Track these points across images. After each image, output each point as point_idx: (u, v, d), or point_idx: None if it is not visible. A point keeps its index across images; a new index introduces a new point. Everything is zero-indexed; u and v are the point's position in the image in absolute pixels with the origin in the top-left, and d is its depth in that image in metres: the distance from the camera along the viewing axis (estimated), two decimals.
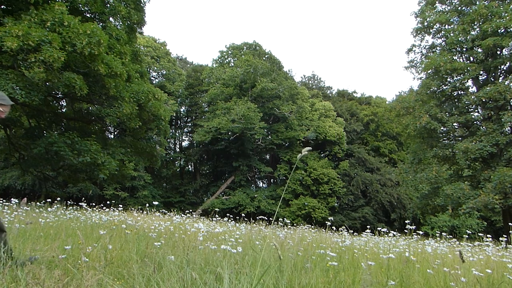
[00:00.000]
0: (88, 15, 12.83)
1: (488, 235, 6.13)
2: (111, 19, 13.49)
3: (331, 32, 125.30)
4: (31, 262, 3.05)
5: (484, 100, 16.63)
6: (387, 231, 5.78)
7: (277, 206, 29.28)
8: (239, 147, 30.98)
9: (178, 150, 38.02)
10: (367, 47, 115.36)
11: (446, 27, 18.35)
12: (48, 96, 12.72)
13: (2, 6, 11.35)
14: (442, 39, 18.88)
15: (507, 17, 15.84)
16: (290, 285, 2.94)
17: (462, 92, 18.24)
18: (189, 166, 38.47)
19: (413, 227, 5.21)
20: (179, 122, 37.93)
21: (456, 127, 18.55)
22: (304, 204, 28.81)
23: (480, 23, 16.96)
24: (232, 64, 34.58)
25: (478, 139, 16.23)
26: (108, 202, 12.06)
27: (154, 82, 33.76)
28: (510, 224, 5.31)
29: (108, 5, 12.89)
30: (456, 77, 17.73)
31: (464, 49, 18.06)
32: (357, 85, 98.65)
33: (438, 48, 19.30)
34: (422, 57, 19.82)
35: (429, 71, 18.07)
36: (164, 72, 34.57)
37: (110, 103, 12.57)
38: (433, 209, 18.84)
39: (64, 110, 16.17)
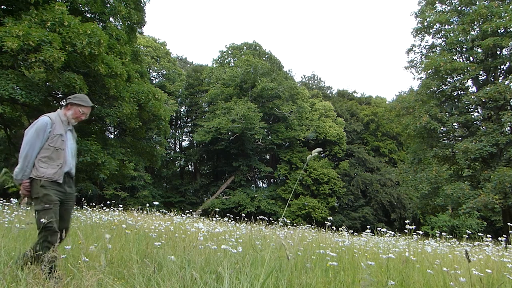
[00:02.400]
0: (88, 15, 12.84)
1: (488, 235, 6.13)
2: (111, 19, 13.50)
3: (331, 32, 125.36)
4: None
5: (484, 100, 16.63)
6: (387, 231, 5.78)
7: (278, 206, 29.45)
8: (239, 147, 30.98)
9: (178, 150, 38.02)
10: (367, 47, 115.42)
11: (446, 27, 18.35)
12: (48, 96, 12.73)
13: (2, 6, 11.36)
14: (442, 39, 18.89)
15: (507, 17, 15.84)
16: (290, 285, 2.95)
17: (462, 92, 18.24)
18: (189, 166, 38.48)
19: (413, 227, 5.21)
20: (179, 122, 37.93)
21: (456, 127, 18.56)
22: (304, 204, 28.82)
23: (480, 23, 16.96)
24: (232, 64, 34.58)
25: (478, 139, 16.23)
26: (108, 202, 12.04)
27: (154, 82, 33.76)
28: (510, 224, 5.31)
29: (108, 5, 12.91)
30: (456, 77, 17.73)
31: (464, 49, 18.06)
32: (357, 85, 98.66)
33: (438, 48, 19.30)
34: (422, 57, 19.82)
35: (429, 71, 18.07)
36: (164, 72, 34.58)
37: (110, 103, 12.59)
38: (433, 209, 18.83)
39: None
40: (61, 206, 3.25)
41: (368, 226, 7.13)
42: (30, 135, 3.18)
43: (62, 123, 3.34)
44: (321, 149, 1.95)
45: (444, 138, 19.34)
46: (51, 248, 3.08)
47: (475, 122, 17.86)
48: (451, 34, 17.79)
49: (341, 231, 7.73)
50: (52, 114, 3.36)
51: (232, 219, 8.46)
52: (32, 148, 3.17)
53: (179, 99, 34.78)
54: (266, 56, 34.96)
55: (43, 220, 3.04)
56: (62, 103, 14.71)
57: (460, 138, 18.27)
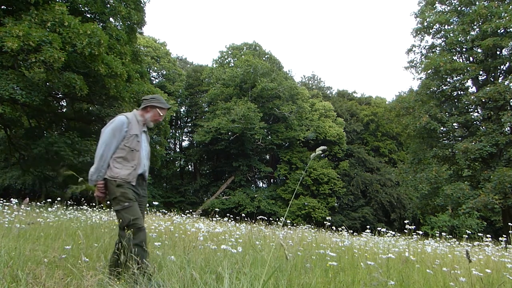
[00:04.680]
0: (88, 16, 12.85)
1: (488, 235, 6.14)
2: (111, 19, 13.51)
3: (331, 32, 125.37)
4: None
5: (483, 100, 16.64)
6: (387, 231, 5.79)
7: (278, 206, 29.44)
8: (239, 147, 30.97)
9: (178, 150, 38.02)
10: (367, 47, 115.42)
11: (446, 27, 18.36)
12: (49, 96, 12.73)
13: (3, 7, 11.36)
14: (442, 39, 18.89)
15: (507, 18, 15.85)
16: (290, 285, 2.95)
17: (461, 92, 18.25)
18: (189, 166, 38.46)
19: (413, 227, 5.22)
20: (179, 122, 37.92)
21: (456, 127, 18.56)
22: (304, 204, 28.82)
23: (480, 23, 16.97)
24: (232, 64, 34.56)
25: (478, 139, 16.24)
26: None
27: (154, 82, 33.73)
28: (509, 224, 5.32)
29: (108, 5, 12.91)
30: (456, 77, 17.75)
31: (464, 49, 18.07)
32: (357, 85, 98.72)
33: (438, 48, 19.31)
34: (422, 57, 19.83)
35: (429, 71, 18.09)
36: (164, 72, 34.57)
37: (110, 103, 12.60)
38: (433, 209, 18.84)
39: (64, 110, 16.18)
40: None
41: (368, 226, 7.13)
42: (107, 135, 3.08)
43: (138, 124, 3.24)
44: (325, 147, 1.80)
45: (444, 138, 19.35)
46: (143, 246, 2.98)
47: (475, 122, 17.87)
48: (451, 34, 17.80)
49: (341, 231, 7.74)
50: (128, 114, 3.26)
51: (232, 219, 8.46)
52: (108, 148, 3.07)
53: (179, 99, 34.77)
54: (266, 56, 34.95)
55: (126, 217, 2.96)
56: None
57: (460, 138, 18.28)
